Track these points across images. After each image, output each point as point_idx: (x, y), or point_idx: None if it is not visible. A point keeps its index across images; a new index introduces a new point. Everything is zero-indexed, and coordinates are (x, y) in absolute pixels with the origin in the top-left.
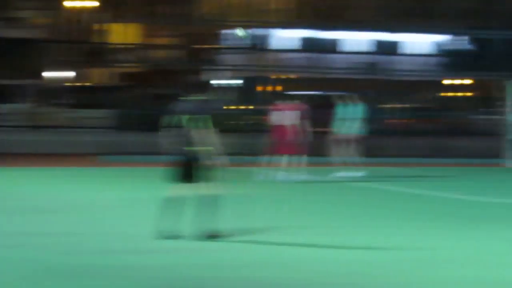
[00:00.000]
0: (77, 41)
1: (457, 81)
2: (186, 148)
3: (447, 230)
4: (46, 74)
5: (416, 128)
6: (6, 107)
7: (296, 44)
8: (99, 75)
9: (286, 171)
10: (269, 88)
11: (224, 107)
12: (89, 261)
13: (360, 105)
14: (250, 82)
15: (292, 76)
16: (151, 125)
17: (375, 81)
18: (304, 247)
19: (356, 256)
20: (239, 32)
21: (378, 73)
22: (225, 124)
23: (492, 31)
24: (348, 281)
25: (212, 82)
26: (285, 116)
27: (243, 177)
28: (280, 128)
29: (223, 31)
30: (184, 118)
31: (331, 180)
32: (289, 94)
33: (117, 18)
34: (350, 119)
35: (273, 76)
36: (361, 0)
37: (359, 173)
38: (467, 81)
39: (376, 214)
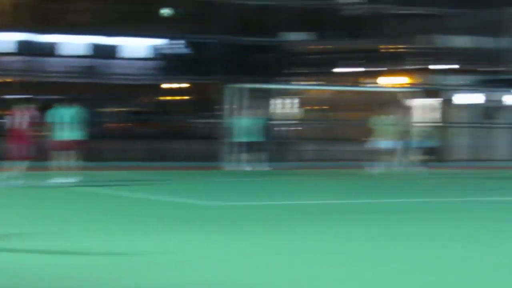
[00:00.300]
0: None
1: (175, 85)
2: None
3: (166, 233)
4: None
5: (134, 132)
6: None
7: (12, 47)
8: None
9: (8, 176)
10: None
11: None
12: None
13: (77, 109)
14: None
15: (8, 79)
16: None
17: (93, 85)
18: (24, 253)
19: (78, 261)
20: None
21: (95, 76)
22: None
23: (210, 36)
24: (62, 285)
25: None
26: (16, 121)
27: None
28: (11, 132)
29: None
30: None
31: (51, 185)
32: (22, 99)
33: None
34: (67, 123)
35: None
36: (78, 4)
37: (77, 178)
38: (185, 85)
39: (93, 219)
